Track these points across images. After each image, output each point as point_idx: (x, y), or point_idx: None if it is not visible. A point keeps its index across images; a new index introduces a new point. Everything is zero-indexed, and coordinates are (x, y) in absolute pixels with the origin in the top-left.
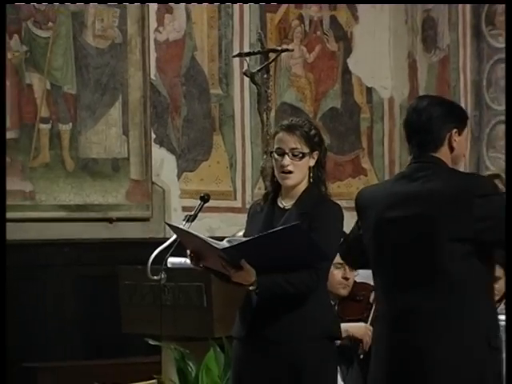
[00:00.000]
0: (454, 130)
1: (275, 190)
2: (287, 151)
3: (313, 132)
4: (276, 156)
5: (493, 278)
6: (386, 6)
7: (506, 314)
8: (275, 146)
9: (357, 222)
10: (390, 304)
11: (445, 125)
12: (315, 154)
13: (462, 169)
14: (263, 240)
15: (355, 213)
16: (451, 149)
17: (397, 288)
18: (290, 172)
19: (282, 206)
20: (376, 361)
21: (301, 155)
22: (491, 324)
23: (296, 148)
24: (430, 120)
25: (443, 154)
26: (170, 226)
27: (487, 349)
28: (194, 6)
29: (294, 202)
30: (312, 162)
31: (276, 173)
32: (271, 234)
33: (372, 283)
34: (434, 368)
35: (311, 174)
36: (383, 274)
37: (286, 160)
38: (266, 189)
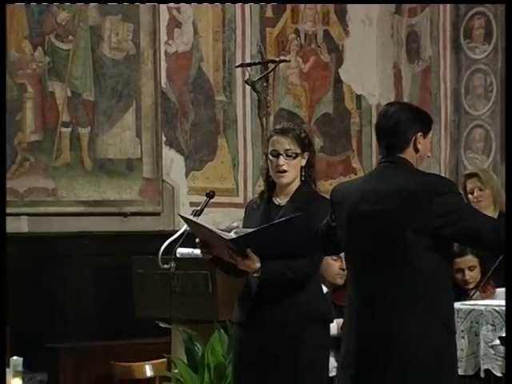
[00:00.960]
0: (419, 134)
1: (270, 188)
2: (282, 152)
3: (303, 135)
4: (271, 157)
5: (452, 268)
6: (374, 21)
7: (506, 314)
8: (270, 149)
9: (330, 215)
10: (358, 289)
11: (411, 128)
12: (306, 155)
13: (442, 168)
14: (267, 231)
15: None
16: (416, 150)
17: (365, 275)
18: (285, 171)
19: (277, 203)
20: (346, 343)
21: (294, 155)
22: (449, 310)
23: (289, 149)
24: (398, 124)
25: (409, 154)
26: (182, 217)
27: (445, 332)
28: (200, 21)
29: (288, 199)
30: (303, 162)
31: (271, 172)
32: (275, 225)
33: None
34: (397, 349)
35: (303, 173)
36: (354, 262)
37: (281, 160)
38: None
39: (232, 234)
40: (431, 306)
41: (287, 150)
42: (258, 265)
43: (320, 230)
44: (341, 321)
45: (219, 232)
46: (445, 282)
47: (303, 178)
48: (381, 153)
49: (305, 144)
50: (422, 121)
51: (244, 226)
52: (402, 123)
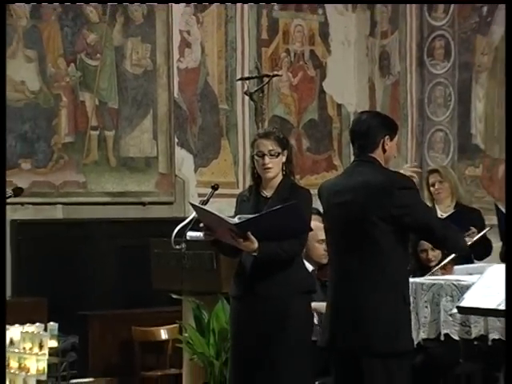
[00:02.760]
0: (387, 137)
1: (257, 183)
2: (266, 152)
3: (282, 136)
4: (257, 158)
5: (407, 250)
6: (352, 42)
7: (506, 313)
8: (256, 150)
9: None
10: (335, 267)
11: (379, 133)
12: (285, 152)
13: (408, 166)
14: (266, 217)
15: None
16: (384, 151)
17: (340, 255)
18: (270, 168)
19: (264, 195)
20: (325, 313)
21: (276, 154)
22: (406, 285)
23: (272, 149)
24: (369, 129)
25: (378, 154)
26: (192, 205)
27: (403, 303)
28: (206, 42)
29: (273, 191)
30: (284, 159)
31: (259, 170)
32: (273, 212)
33: None
34: (364, 316)
35: (284, 168)
36: (332, 244)
37: (266, 159)
38: None
39: (235, 220)
40: (392, 282)
41: (270, 150)
42: (256, 245)
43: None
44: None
45: (225, 217)
46: (403, 262)
47: (284, 173)
48: (354, 153)
49: (284, 144)
50: (389, 126)
51: (235, 215)
52: (372, 128)
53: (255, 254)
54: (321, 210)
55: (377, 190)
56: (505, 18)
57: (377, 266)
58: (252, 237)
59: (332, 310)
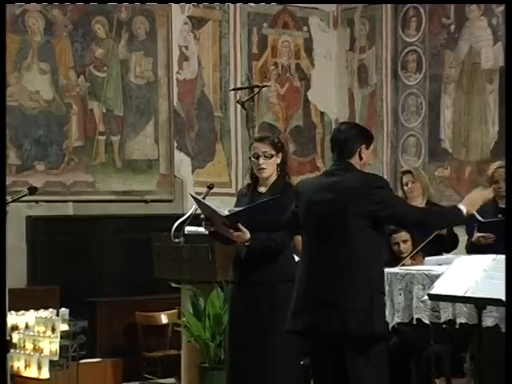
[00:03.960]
0: (363, 146)
1: (254, 181)
2: (260, 154)
3: (276, 140)
4: (253, 159)
5: (383, 243)
6: (334, 56)
7: (506, 313)
8: (252, 152)
9: (295, 204)
10: (311, 257)
11: (356, 142)
12: (280, 155)
13: (384, 167)
14: (252, 209)
15: None
16: (360, 158)
17: (318, 246)
18: (264, 168)
19: (259, 191)
20: (296, 297)
21: (270, 156)
22: (380, 275)
23: (266, 151)
24: (347, 138)
25: (354, 161)
26: (192, 196)
27: (376, 292)
28: (202, 56)
29: (267, 188)
30: (278, 161)
31: (254, 170)
32: (258, 204)
33: None
34: (341, 303)
35: (278, 169)
36: (309, 236)
37: (261, 161)
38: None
39: (226, 212)
40: (367, 273)
41: (264, 152)
42: (248, 236)
43: (287, 216)
44: None
45: (217, 209)
46: (378, 254)
47: (279, 173)
48: (333, 159)
49: (278, 147)
50: (366, 136)
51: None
52: (350, 138)
53: (247, 243)
54: None
55: (355, 189)
56: (505, 18)
57: (353, 257)
58: (243, 228)
59: (310, 297)
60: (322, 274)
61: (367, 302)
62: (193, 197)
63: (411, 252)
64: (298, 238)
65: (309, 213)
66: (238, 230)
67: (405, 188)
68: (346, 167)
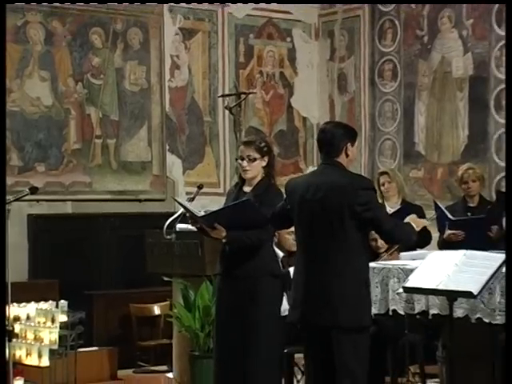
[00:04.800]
0: (349, 144)
1: (242, 180)
2: (245, 157)
3: (262, 144)
4: (239, 161)
5: (368, 241)
6: (315, 65)
7: (506, 312)
8: (239, 155)
9: (285, 200)
10: (305, 252)
11: (342, 140)
12: (265, 158)
13: (362, 169)
14: (225, 210)
15: None
16: (347, 155)
17: (310, 244)
18: (247, 170)
19: (244, 190)
20: (295, 292)
21: (253, 159)
22: (366, 270)
23: (250, 155)
24: (333, 137)
25: (341, 159)
26: (175, 200)
27: (364, 286)
28: (193, 65)
29: (251, 188)
30: (263, 164)
31: (240, 171)
32: (230, 206)
33: None
34: (332, 295)
35: (264, 171)
36: (302, 234)
37: (244, 163)
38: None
39: (202, 213)
40: (355, 268)
41: (248, 155)
42: (224, 233)
43: (276, 210)
44: None
45: (194, 211)
46: (364, 251)
47: (264, 175)
48: (321, 158)
49: (263, 151)
50: (350, 134)
51: (225, 204)
52: (336, 137)
53: (224, 240)
54: None
55: (343, 189)
56: (505, 18)
57: (342, 254)
58: (219, 226)
59: (303, 291)
60: (314, 269)
61: (356, 295)
62: (175, 200)
63: (388, 248)
64: (283, 235)
65: (301, 211)
66: (215, 228)
67: (381, 188)
68: (334, 166)
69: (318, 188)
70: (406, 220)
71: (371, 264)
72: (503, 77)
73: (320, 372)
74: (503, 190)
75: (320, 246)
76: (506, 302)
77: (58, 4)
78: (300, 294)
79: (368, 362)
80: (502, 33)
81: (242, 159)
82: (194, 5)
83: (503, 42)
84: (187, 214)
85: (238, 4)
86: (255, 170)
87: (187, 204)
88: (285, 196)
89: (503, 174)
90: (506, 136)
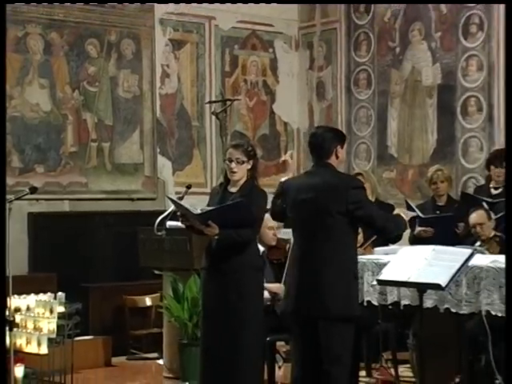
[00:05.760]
0: (338, 146)
1: (227, 182)
2: (233, 159)
3: (249, 148)
4: (227, 162)
5: (356, 236)
6: (295, 74)
7: (506, 312)
8: (227, 157)
9: (278, 198)
10: (299, 248)
11: (332, 143)
12: (251, 161)
13: (341, 170)
14: (220, 210)
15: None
16: (337, 157)
17: (304, 240)
18: (235, 172)
19: (230, 191)
20: (289, 283)
21: (241, 162)
22: (355, 264)
23: (238, 158)
24: (324, 141)
25: (332, 160)
26: (169, 198)
27: (353, 279)
28: (182, 73)
29: (237, 189)
30: (249, 166)
31: (227, 172)
32: (225, 206)
33: (286, 239)
34: (323, 287)
35: (249, 173)
36: (298, 231)
37: (233, 165)
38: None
39: (198, 211)
40: (345, 261)
41: (237, 158)
42: (217, 231)
43: (276, 209)
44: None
45: (191, 209)
46: (352, 245)
47: (249, 177)
48: (313, 161)
49: (250, 155)
50: (340, 137)
51: (208, 205)
52: (326, 140)
53: (216, 237)
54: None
55: (335, 189)
56: (505, 18)
57: (333, 249)
58: (213, 224)
59: (295, 283)
60: (308, 264)
61: (345, 286)
62: (170, 198)
63: (363, 243)
64: (263, 230)
65: (295, 210)
66: (209, 225)
67: None
68: (326, 168)
69: (311, 188)
70: (396, 212)
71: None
72: (469, 85)
73: (308, 359)
74: (467, 191)
75: (313, 241)
76: (506, 302)
77: (56, 17)
78: (292, 286)
79: (352, 348)
80: (468, 44)
81: (231, 161)
82: (182, 17)
83: (469, 53)
84: (178, 212)
85: (224, 17)
86: (242, 171)
87: (184, 203)
88: (281, 195)
89: (469, 175)
90: (506, 136)
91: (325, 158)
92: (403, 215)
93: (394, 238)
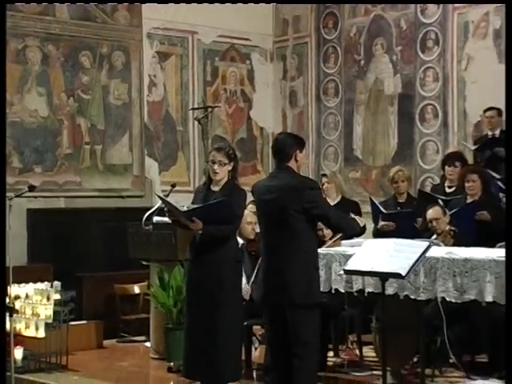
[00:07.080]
0: (298, 151)
1: (209, 181)
2: (216, 161)
3: (230, 151)
4: (211, 164)
5: (316, 231)
6: (271, 84)
7: (506, 312)
8: (210, 159)
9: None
10: (265, 243)
11: (292, 148)
12: (232, 163)
13: (309, 170)
14: (205, 207)
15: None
16: (296, 161)
17: (269, 235)
18: (217, 173)
19: (213, 190)
20: (260, 272)
21: (223, 164)
22: (315, 255)
23: (220, 160)
24: (284, 146)
25: (292, 164)
26: (157, 195)
27: (314, 269)
28: (168, 83)
29: (219, 188)
30: (230, 168)
31: (210, 173)
32: (209, 204)
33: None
34: (287, 278)
35: (229, 174)
36: (263, 228)
37: (215, 166)
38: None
39: (185, 208)
40: (305, 254)
41: (220, 160)
42: (201, 226)
43: None
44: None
45: (178, 206)
46: (312, 240)
47: (230, 177)
48: (275, 163)
49: (231, 157)
50: (299, 143)
51: (192, 202)
52: (287, 145)
53: (200, 232)
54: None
55: (293, 190)
56: (505, 18)
57: (294, 243)
58: (197, 220)
59: (264, 275)
60: (272, 257)
61: (307, 277)
62: (158, 196)
63: (331, 237)
64: (243, 224)
65: (260, 209)
66: (193, 221)
67: (323, 187)
68: (286, 170)
69: (272, 189)
70: (352, 217)
71: (317, 250)
72: (426, 94)
73: (279, 343)
74: (424, 189)
75: (275, 237)
76: (506, 302)
77: (53, 31)
78: (261, 277)
79: (320, 332)
80: (425, 58)
81: (214, 163)
82: (168, 32)
83: (426, 65)
84: (165, 209)
85: (206, 32)
86: (223, 172)
87: (171, 200)
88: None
89: (426, 175)
90: (506, 136)
91: (285, 162)
92: (358, 221)
93: (351, 236)
